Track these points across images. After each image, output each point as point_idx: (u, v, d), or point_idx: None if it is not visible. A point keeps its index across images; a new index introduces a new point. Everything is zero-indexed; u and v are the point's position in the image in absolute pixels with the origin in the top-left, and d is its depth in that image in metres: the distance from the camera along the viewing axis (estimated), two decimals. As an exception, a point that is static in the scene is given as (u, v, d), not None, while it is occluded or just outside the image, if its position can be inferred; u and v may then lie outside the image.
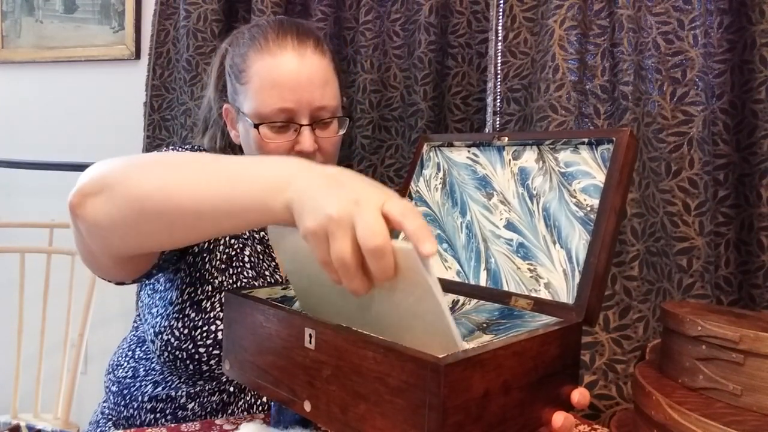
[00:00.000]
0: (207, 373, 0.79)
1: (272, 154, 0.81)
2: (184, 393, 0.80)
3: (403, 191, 0.73)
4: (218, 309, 0.79)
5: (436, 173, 0.72)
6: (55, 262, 1.48)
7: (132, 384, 0.84)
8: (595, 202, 0.57)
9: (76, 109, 1.77)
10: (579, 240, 0.57)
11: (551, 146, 0.63)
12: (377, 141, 1.25)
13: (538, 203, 0.61)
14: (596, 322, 0.59)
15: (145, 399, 0.82)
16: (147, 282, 0.87)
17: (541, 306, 0.56)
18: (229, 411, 0.80)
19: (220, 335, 0.77)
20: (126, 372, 0.87)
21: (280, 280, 0.87)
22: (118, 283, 0.74)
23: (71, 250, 1.42)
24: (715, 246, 0.96)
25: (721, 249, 0.97)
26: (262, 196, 0.49)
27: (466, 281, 0.64)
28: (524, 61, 1.11)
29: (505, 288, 0.60)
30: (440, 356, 0.38)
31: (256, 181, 0.50)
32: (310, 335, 0.47)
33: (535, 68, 1.07)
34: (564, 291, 0.56)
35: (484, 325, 0.53)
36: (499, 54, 1.12)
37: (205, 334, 0.77)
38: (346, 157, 1.26)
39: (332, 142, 0.85)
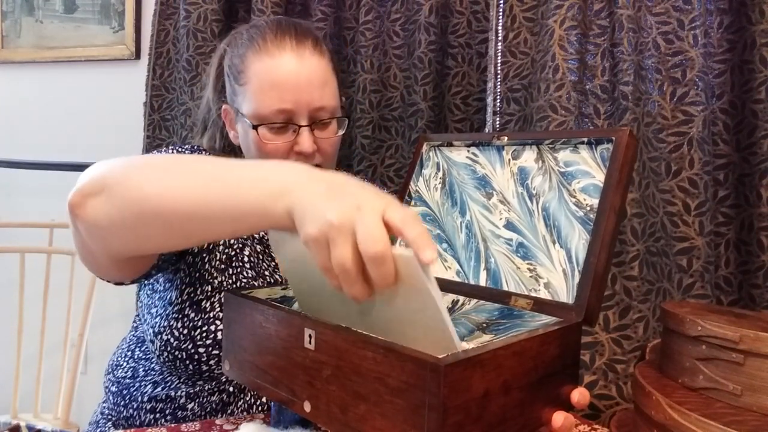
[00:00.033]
0: (206, 373, 0.78)
1: (271, 154, 0.81)
2: (183, 393, 0.80)
3: (403, 191, 0.73)
4: (218, 309, 0.79)
5: (436, 173, 0.72)
6: (55, 262, 1.48)
7: (131, 384, 0.84)
8: (595, 201, 0.57)
9: (76, 109, 1.77)
10: (579, 240, 0.57)
11: (551, 146, 0.63)
12: (377, 141, 1.25)
13: (537, 203, 0.61)
14: (596, 322, 0.59)
15: (145, 399, 0.82)
16: (146, 282, 0.87)
17: (540, 306, 0.56)
18: (229, 411, 0.80)
19: (219, 335, 0.77)
20: (125, 372, 0.87)
21: (280, 280, 0.87)
22: (116, 284, 0.74)
23: (71, 250, 1.42)
24: (715, 246, 0.96)
25: (721, 249, 0.97)
26: (262, 201, 0.49)
27: (466, 281, 0.64)
28: (524, 61, 1.11)
29: (505, 288, 0.60)
30: (440, 356, 0.38)
31: (256, 186, 0.50)
32: (310, 335, 0.47)
33: (535, 68, 1.07)
34: (564, 291, 0.56)
35: (484, 325, 0.53)
36: (499, 54, 1.11)
37: (204, 334, 0.77)
38: (346, 157, 1.26)
39: (331, 142, 0.85)
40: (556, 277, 0.57)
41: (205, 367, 0.78)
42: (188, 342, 0.77)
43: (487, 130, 1.14)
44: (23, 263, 1.47)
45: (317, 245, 0.43)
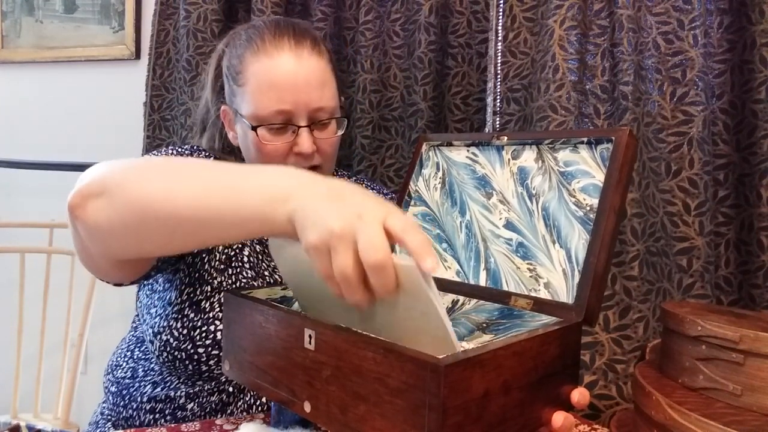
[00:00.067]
0: (206, 374, 0.78)
1: (270, 155, 0.81)
2: (183, 393, 0.80)
3: (403, 191, 0.73)
4: (217, 309, 0.79)
5: (436, 173, 0.72)
6: (55, 262, 1.48)
7: (131, 384, 0.84)
8: (595, 201, 0.57)
9: (76, 109, 1.77)
10: (578, 239, 0.56)
11: (550, 146, 0.63)
12: (377, 141, 1.25)
13: (537, 203, 0.61)
14: (596, 322, 0.59)
15: (145, 399, 0.82)
16: (146, 282, 0.86)
17: (540, 306, 0.56)
18: (229, 411, 0.80)
19: (219, 335, 0.77)
20: (125, 372, 0.86)
21: (280, 280, 0.87)
22: (116, 285, 0.74)
23: (71, 250, 1.41)
24: (715, 246, 0.96)
25: (721, 249, 0.97)
26: (263, 208, 0.49)
27: (466, 281, 0.64)
28: (524, 61, 1.10)
29: (505, 288, 0.60)
30: (440, 356, 0.38)
31: (257, 192, 0.50)
32: (310, 336, 0.47)
33: (535, 68, 1.07)
34: (563, 291, 0.56)
35: (484, 325, 0.53)
36: (499, 54, 1.11)
37: (204, 335, 0.77)
38: (346, 157, 1.26)
39: (331, 143, 0.85)
40: (556, 277, 0.57)
41: (204, 368, 0.78)
42: (188, 342, 0.77)
43: (487, 130, 1.14)
44: (23, 263, 1.47)
45: (318, 253, 0.43)
